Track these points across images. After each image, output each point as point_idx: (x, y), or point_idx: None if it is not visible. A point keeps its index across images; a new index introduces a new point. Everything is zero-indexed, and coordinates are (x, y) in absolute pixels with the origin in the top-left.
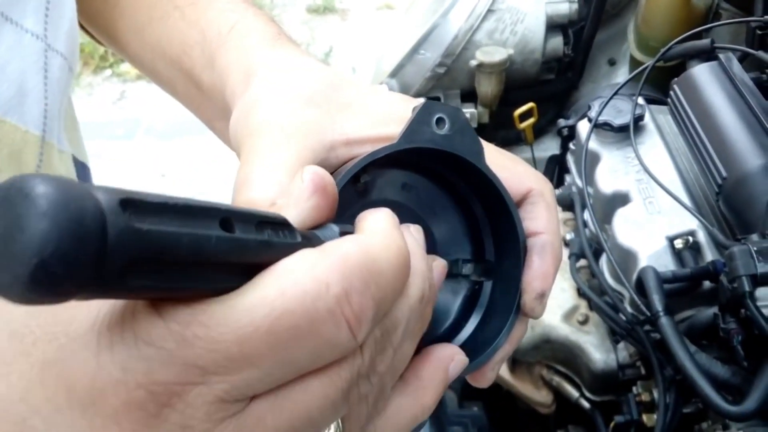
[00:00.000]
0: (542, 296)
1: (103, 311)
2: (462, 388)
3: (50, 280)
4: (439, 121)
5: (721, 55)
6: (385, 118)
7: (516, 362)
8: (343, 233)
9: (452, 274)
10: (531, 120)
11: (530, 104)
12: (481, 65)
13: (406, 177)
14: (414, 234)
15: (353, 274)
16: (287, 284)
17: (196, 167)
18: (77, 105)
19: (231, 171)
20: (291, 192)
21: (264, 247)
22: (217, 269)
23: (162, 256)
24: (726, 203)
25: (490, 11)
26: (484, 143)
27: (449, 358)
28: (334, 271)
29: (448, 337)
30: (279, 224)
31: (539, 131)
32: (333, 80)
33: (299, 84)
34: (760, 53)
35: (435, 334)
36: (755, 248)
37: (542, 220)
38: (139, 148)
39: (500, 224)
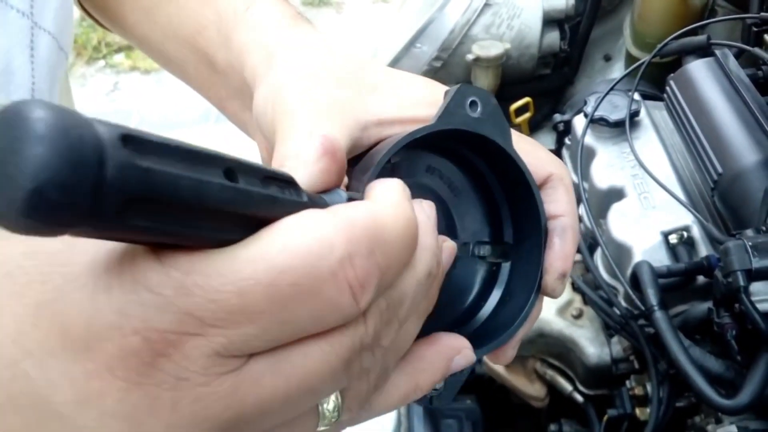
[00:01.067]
0: (564, 276)
1: (101, 253)
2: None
3: (46, 206)
4: (473, 104)
5: (717, 52)
6: (414, 101)
7: None
8: (350, 200)
9: (470, 256)
10: (527, 115)
11: (526, 99)
12: (477, 59)
13: (431, 159)
14: (426, 209)
15: (359, 238)
16: (290, 241)
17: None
18: None
19: None
20: (299, 154)
21: (268, 202)
22: (218, 218)
23: (162, 197)
24: (721, 199)
25: (486, 5)
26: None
27: (456, 350)
28: (339, 233)
29: (468, 316)
30: (285, 182)
31: (535, 126)
32: (358, 62)
33: (327, 65)
34: (756, 50)
35: (455, 314)
36: (750, 243)
37: (562, 203)
38: None
39: (521, 207)
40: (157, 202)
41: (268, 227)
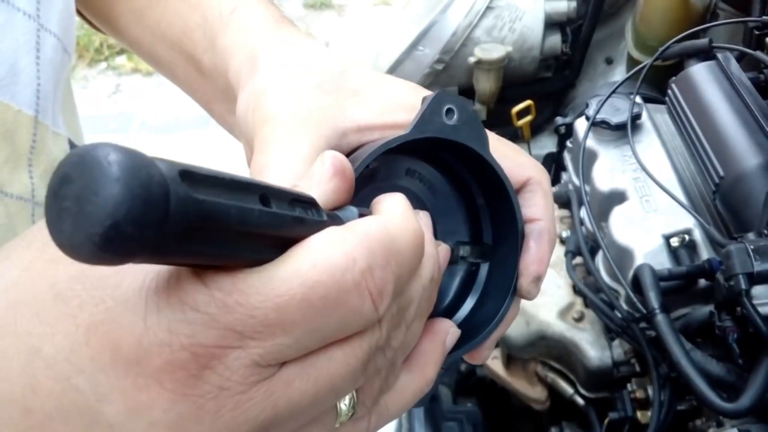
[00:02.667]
0: (538, 279)
1: (149, 277)
2: (456, 384)
3: (120, 240)
4: (449, 111)
5: (719, 55)
6: (394, 106)
7: (511, 359)
8: (361, 215)
9: (451, 257)
10: (528, 117)
11: (528, 102)
12: (479, 62)
13: (410, 163)
14: (423, 219)
15: (376, 250)
16: (319, 258)
17: (190, 161)
18: None
19: (225, 166)
20: (312, 175)
21: (297, 223)
22: (256, 240)
23: (213, 225)
24: (723, 202)
25: (488, 8)
26: (488, 132)
27: (445, 332)
28: (359, 247)
29: (446, 316)
30: (308, 203)
31: (536, 128)
32: (340, 66)
33: (308, 69)
34: (758, 53)
35: (434, 313)
36: (752, 246)
37: (540, 207)
38: (134, 143)
39: (499, 210)
40: (209, 229)
41: (298, 246)
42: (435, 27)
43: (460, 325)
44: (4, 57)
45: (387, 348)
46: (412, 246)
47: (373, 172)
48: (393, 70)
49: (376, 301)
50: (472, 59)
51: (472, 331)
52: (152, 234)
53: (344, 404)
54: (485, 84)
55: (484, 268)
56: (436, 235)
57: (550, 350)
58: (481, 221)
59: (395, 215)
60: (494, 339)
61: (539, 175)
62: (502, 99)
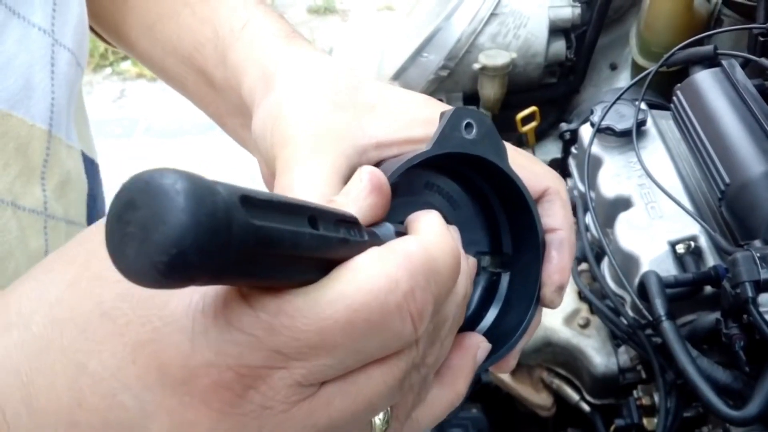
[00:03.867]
0: (561, 289)
1: (195, 299)
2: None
3: (184, 267)
4: (468, 126)
5: (723, 62)
6: (411, 120)
7: (516, 365)
8: (397, 233)
9: None
10: (533, 123)
11: (532, 108)
12: (483, 68)
13: (429, 176)
14: (454, 235)
15: (418, 272)
16: (363, 280)
17: (195, 167)
18: None
19: (230, 171)
20: (350, 191)
21: (342, 244)
22: (303, 262)
23: (269, 249)
24: (729, 209)
25: (493, 15)
26: (505, 144)
27: (476, 347)
28: (402, 269)
29: (470, 327)
30: (351, 223)
31: (541, 134)
32: (354, 80)
33: (323, 86)
34: (763, 60)
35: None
36: (758, 254)
37: (559, 217)
38: (138, 148)
39: (519, 221)
40: (265, 254)
41: (342, 267)
42: (439, 33)
43: (484, 335)
44: (20, 72)
45: (422, 365)
46: (451, 265)
47: (394, 188)
48: (397, 76)
49: (416, 323)
50: (476, 65)
51: (496, 341)
52: (215, 261)
53: (379, 419)
54: (490, 90)
55: (505, 278)
56: None
57: (555, 356)
58: (501, 232)
59: (433, 235)
60: (520, 348)
61: (557, 184)
62: (507, 105)
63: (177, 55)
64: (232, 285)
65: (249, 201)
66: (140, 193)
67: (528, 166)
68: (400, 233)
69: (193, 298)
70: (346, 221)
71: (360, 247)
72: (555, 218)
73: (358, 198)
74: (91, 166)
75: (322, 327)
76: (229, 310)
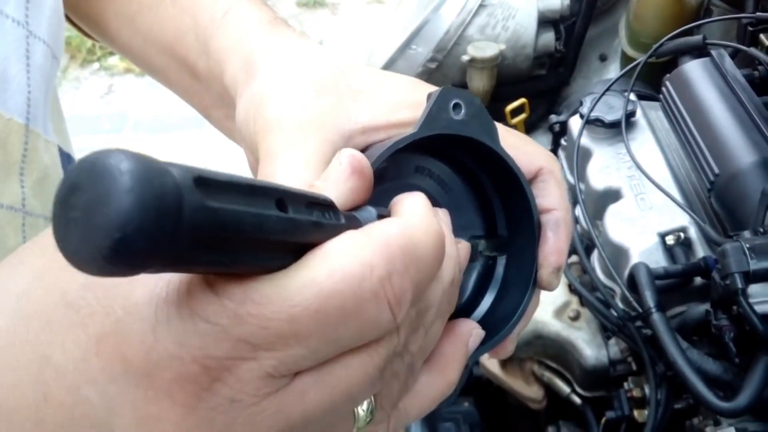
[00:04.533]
0: (559, 270)
1: (160, 287)
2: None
3: (130, 253)
4: (456, 106)
5: (713, 52)
6: (398, 104)
7: (507, 358)
8: (379, 216)
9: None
10: (522, 116)
11: (522, 100)
12: (472, 60)
13: (419, 160)
14: (442, 218)
15: (395, 257)
16: (335, 266)
17: (184, 161)
18: (64, 99)
19: (220, 165)
20: (329, 175)
21: (314, 228)
22: (271, 247)
23: (228, 233)
24: (718, 200)
25: (481, 6)
26: (496, 124)
27: (468, 334)
28: (377, 254)
29: (466, 313)
30: (325, 205)
31: (530, 127)
32: (338, 66)
33: (307, 72)
34: (752, 50)
35: (454, 312)
36: (748, 245)
37: (554, 197)
38: (127, 143)
39: (513, 202)
40: (224, 239)
41: (313, 252)
42: (428, 25)
43: (481, 321)
44: None
45: (405, 353)
46: (433, 249)
47: (382, 172)
48: (386, 68)
49: (395, 310)
50: (465, 57)
51: (493, 327)
52: (164, 246)
53: (362, 410)
54: (479, 82)
55: (501, 262)
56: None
57: (546, 349)
58: (495, 214)
59: (415, 217)
60: (518, 332)
61: (550, 164)
62: (496, 97)
63: (158, 45)
64: (195, 272)
65: (206, 182)
66: (85, 175)
67: (520, 146)
68: (383, 217)
69: (157, 286)
70: (320, 204)
71: (335, 231)
72: (550, 198)
73: (338, 181)
74: (68, 161)
75: (292, 315)
76: (193, 299)
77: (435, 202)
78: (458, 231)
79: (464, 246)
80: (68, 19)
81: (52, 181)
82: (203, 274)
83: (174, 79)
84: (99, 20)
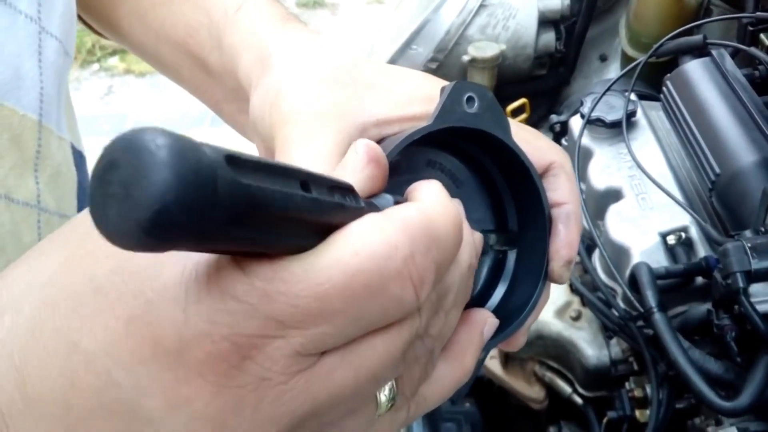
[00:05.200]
0: (570, 263)
1: (189, 267)
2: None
3: (169, 225)
4: (469, 100)
5: (713, 51)
6: (411, 98)
7: (508, 358)
8: (396, 202)
9: None
10: (523, 115)
11: (522, 100)
12: (473, 60)
13: (431, 154)
14: (457, 206)
15: (417, 237)
16: (360, 245)
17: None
18: None
19: None
20: (346, 164)
21: (338, 209)
22: (297, 226)
23: (258, 210)
24: (719, 199)
25: (482, 6)
26: (508, 119)
27: (483, 322)
28: (400, 234)
29: (478, 305)
30: (346, 189)
31: (531, 127)
32: (352, 60)
33: (321, 66)
34: (752, 49)
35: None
36: (749, 244)
37: (565, 191)
38: None
39: (523, 196)
40: (254, 215)
41: (338, 233)
42: (428, 26)
43: (492, 313)
44: (8, 61)
45: (426, 336)
46: (452, 232)
47: (395, 166)
48: None
49: (418, 289)
50: (466, 58)
51: (505, 319)
52: (200, 219)
53: (384, 395)
54: (479, 82)
55: (511, 256)
56: None
57: (547, 349)
58: (506, 209)
59: (433, 201)
60: (529, 325)
61: (561, 158)
62: (497, 97)
63: (171, 42)
64: (224, 252)
65: (236, 161)
66: (122, 151)
67: (532, 141)
68: (400, 203)
69: (186, 268)
70: (341, 188)
71: (357, 213)
72: (561, 192)
73: (355, 170)
74: (80, 159)
75: (319, 293)
76: (222, 278)
77: None
78: (469, 225)
79: (478, 236)
80: (79, 17)
81: (64, 178)
82: (231, 254)
83: (186, 76)
84: (111, 18)
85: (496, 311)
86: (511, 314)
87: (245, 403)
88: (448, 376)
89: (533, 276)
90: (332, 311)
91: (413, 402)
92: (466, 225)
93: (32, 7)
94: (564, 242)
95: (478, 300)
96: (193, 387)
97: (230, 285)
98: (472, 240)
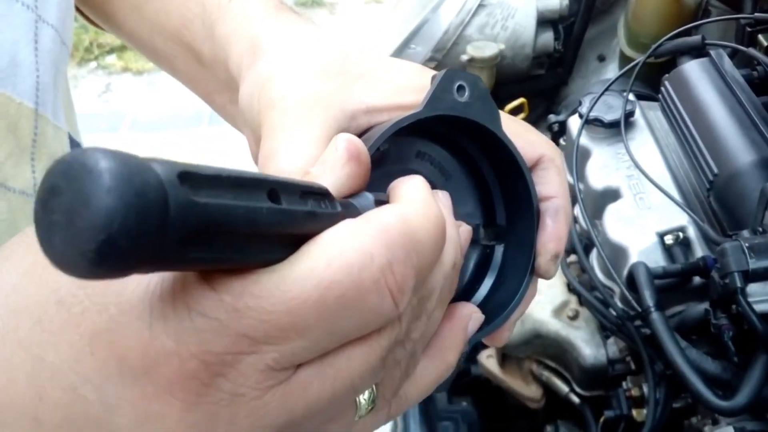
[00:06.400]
0: (556, 257)
1: (154, 282)
2: (451, 383)
3: (116, 254)
4: (460, 88)
5: (711, 52)
6: (403, 87)
7: (506, 357)
8: (377, 201)
9: None
10: (521, 115)
11: (521, 99)
12: (471, 60)
13: (420, 145)
14: (443, 200)
15: (395, 244)
16: (333, 255)
17: (181, 160)
18: None
19: (216, 164)
20: (325, 160)
21: (309, 218)
22: (265, 240)
23: (218, 228)
24: (717, 199)
25: (480, 6)
26: (499, 111)
27: (467, 317)
28: (377, 242)
29: (464, 299)
30: (320, 194)
31: None
32: (344, 49)
33: (312, 54)
34: (750, 50)
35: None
36: (747, 244)
37: (554, 184)
38: (125, 141)
39: (512, 189)
40: (213, 233)
41: (311, 242)
42: (427, 25)
43: (478, 307)
44: (5, 48)
45: (407, 341)
46: (434, 235)
47: (383, 156)
48: None
49: (396, 298)
50: (464, 57)
51: (490, 313)
52: (151, 245)
53: (364, 398)
54: None
55: (499, 249)
56: None
57: (545, 348)
58: (494, 202)
59: (414, 202)
60: (514, 320)
61: (551, 152)
62: (495, 97)
63: (165, 33)
64: (190, 270)
65: (192, 176)
66: (62, 176)
67: (522, 134)
68: (381, 202)
69: (151, 282)
70: (314, 193)
71: (332, 220)
72: (550, 186)
73: (335, 167)
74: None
75: (291, 307)
76: (189, 294)
77: (435, 189)
78: (457, 218)
79: (465, 229)
80: (76, 8)
81: None
82: (199, 271)
83: (180, 67)
84: (105, 9)
85: (482, 305)
86: (497, 307)
87: (219, 419)
88: (431, 373)
89: (520, 269)
90: (305, 325)
91: (394, 402)
92: (450, 221)
93: None
94: (552, 236)
95: (464, 293)
96: (163, 404)
97: (197, 301)
98: (456, 237)
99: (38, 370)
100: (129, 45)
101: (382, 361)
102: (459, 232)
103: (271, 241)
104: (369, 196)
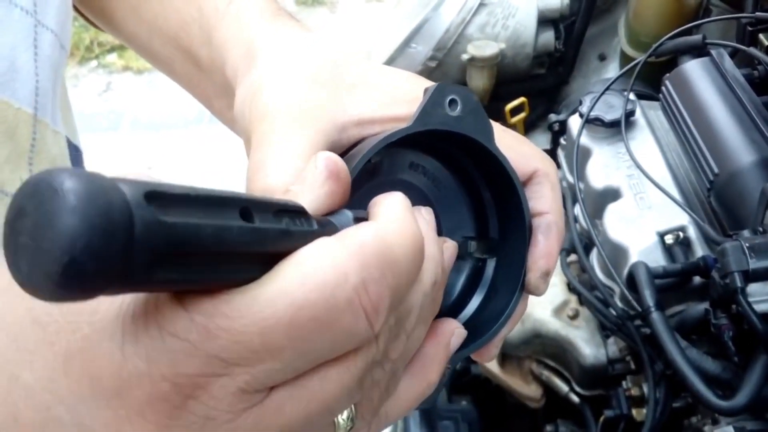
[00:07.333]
0: (547, 275)
1: (126, 302)
2: (451, 382)
3: (81, 276)
4: (452, 102)
5: (712, 51)
6: (394, 98)
7: (506, 357)
8: (357, 219)
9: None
10: (522, 114)
11: (521, 99)
12: (472, 59)
13: (414, 156)
14: (425, 217)
15: (370, 263)
16: (307, 274)
17: (182, 159)
18: None
19: (217, 163)
20: (305, 178)
21: (283, 236)
22: (237, 259)
23: (186, 248)
24: (717, 199)
25: (481, 5)
26: (492, 123)
27: (450, 333)
28: (352, 261)
29: (452, 314)
30: (295, 212)
31: (530, 126)
32: (337, 58)
33: (304, 64)
34: (751, 49)
35: (439, 311)
36: (747, 244)
37: (547, 200)
38: (125, 140)
39: (505, 204)
40: (183, 253)
41: (284, 262)
42: (427, 24)
43: (467, 323)
44: (4, 53)
45: (386, 361)
46: (411, 253)
47: (376, 167)
48: None
49: (371, 318)
50: (465, 56)
51: (479, 329)
52: (117, 266)
53: (342, 419)
54: (478, 81)
55: (490, 264)
56: (441, 231)
57: (545, 348)
58: (488, 215)
59: (391, 221)
60: (502, 336)
61: (546, 166)
62: (496, 96)
63: (163, 36)
64: (159, 291)
65: (160, 196)
66: (28, 198)
67: (516, 147)
68: (361, 219)
69: (123, 302)
70: (290, 211)
71: (307, 238)
72: (543, 201)
73: (314, 185)
74: (75, 153)
75: (263, 328)
76: (161, 314)
77: (427, 201)
78: (449, 231)
79: (450, 245)
80: (75, 9)
81: None
82: (170, 292)
83: (178, 70)
84: (104, 10)
85: (472, 319)
86: (486, 323)
87: None
88: (412, 391)
89: (511, 285)
90: (278, 347)
91: (374, 421)
92: (432, 238)
93: (28, 0)
94: (542, 253)
95: (454, 307)
96: (135, 426)
97: (169, 322)
98: (437, 255)
99: (13, 389)
100: (128, 47)
101: (359, 382)
102: (442, 249)
103: (245, 260)
104: (348, 214)
